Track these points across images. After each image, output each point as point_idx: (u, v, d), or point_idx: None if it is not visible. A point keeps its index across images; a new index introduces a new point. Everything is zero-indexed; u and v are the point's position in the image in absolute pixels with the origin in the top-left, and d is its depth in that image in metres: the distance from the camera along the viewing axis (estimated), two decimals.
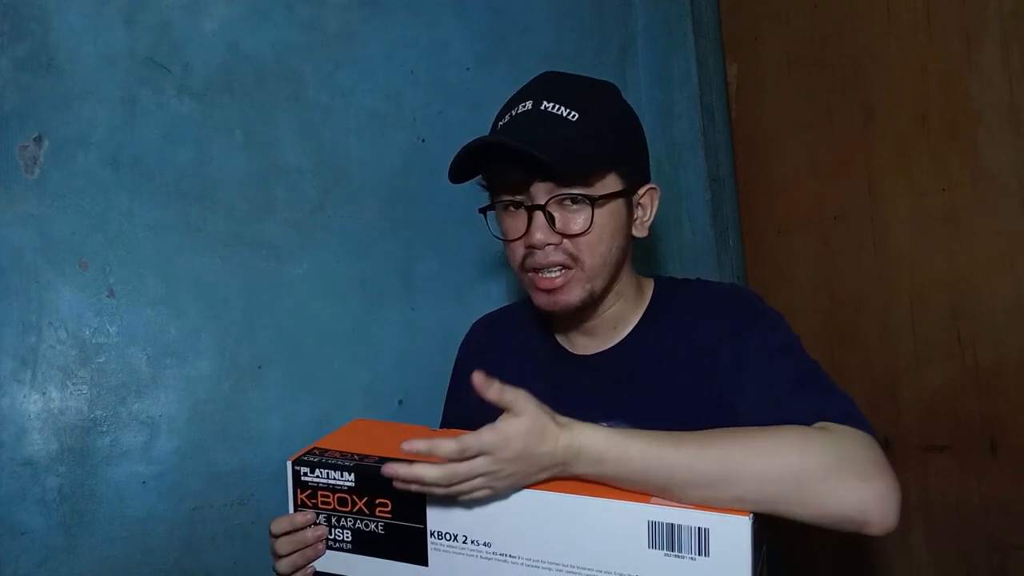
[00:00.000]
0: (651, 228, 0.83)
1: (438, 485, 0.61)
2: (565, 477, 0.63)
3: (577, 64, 1.39)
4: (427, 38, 1.23)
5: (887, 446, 1.20)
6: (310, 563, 0.72)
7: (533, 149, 0.68)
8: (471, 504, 0.64)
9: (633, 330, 0.83)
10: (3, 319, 0.91)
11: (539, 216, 0.73)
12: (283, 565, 0.72)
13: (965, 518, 1.09)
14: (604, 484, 0.62)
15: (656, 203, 0.82)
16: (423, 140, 1.20)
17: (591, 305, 0.79)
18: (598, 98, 0.77)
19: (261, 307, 1.06)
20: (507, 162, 0.73)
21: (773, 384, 0.70)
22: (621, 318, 0.83)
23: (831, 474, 0.60)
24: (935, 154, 1.13)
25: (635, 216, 0.80)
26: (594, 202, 0.73)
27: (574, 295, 0.76)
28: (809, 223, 1.33)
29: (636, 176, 0.79)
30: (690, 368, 0.77)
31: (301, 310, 1.08)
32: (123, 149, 0.99)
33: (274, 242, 1.08)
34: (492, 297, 1.23)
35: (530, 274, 0.77)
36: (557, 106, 0.73)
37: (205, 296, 1.02)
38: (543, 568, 0.62)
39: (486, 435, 0.60)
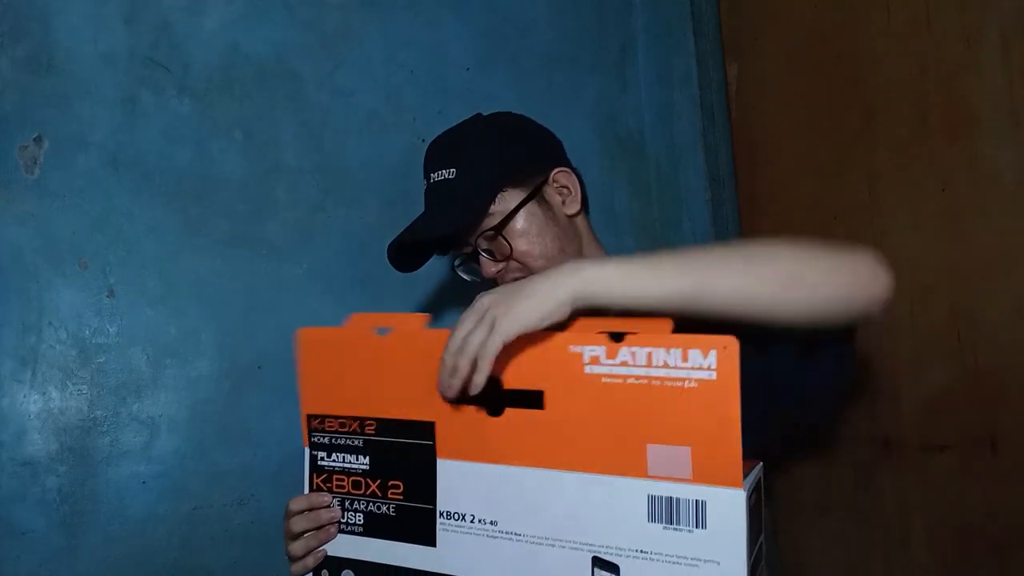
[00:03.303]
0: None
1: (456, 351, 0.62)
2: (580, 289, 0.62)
3: (577, 64, 1.39)
4: (427, 38, 1.23)
5: (887, 446, 1.20)
6: (322, 545, 0.73)
7: (425, 233, 0.82)
8: (481, 482, 0.65)
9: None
10: (3, 319, 0.91)
11: (481, 257, 0.84)
12: (297, 547, 0.73)
13: (965, 518, 1.10)
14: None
15: (573, 178, 0.88)
16: (423, 140, 1.19)
17: None
18: (466, 141, 0.86)
19: (261, 307, 1.06)
20: (430, 242, 0.86)
21: None
22: None
23: (827, 247, 0.64)
24: (935, 154, 1.13)
25: (560, 200, 0.87)
26: (501, 229, 0.82)
27: None
28: (809, 223, 1.33)
29: (534, 174, 0.86)
30: None
31: (301, 310, 1.08)
32: (123, 149, 0.99)
33: (274, 242, 1.08)
34: None
35: None
36: (439, 172, 0.84)
37: (205, 296, 1.02)
38: (546, 545, 0.63)
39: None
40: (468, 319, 0.62)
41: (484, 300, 0.63)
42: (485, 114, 0.91)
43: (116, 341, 0.97)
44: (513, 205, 0.83)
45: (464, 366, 0.60)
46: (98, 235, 0.97)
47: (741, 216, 1.48)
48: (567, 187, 0.88)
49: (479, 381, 0.60)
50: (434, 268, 1.19)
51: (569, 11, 1.39)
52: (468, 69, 1.26)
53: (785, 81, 1.38)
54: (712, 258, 0.64)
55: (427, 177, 0.86)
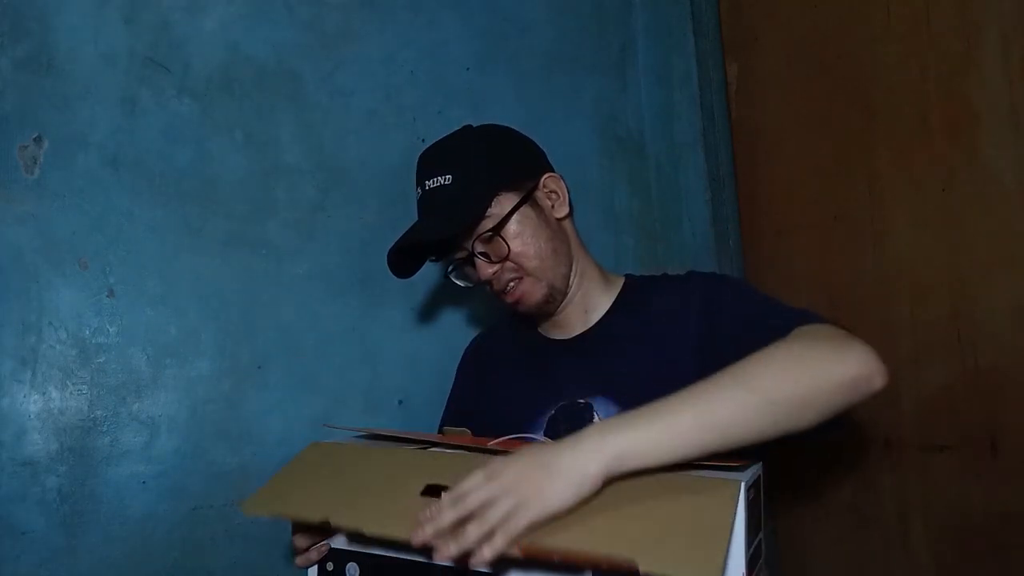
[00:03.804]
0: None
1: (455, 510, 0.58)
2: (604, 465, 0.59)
3: (577, 64, 1.39)
4: (427, 38, 1.23)
5: (887, 446, 1.20)
6: (327, 539, 0.74)
7: (427, 234, 0.83)
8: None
9: (606, 313, 0.91)
10: (3, 319, 0.91)
11: (477, 259, 0.87)
12: (302, 540, 0.73)
13: (965, 518, 1.09)
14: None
15: (561, 183, 0.92)
16: (423, 140, 1.19)
17: (560, 294, 0.90)
18: (460, 149, 0.88)
19: (261, 307, 1.06)
20: (428, 246, 0.89)
21: (747, 317, 0.78)
22: (590, 301, 0.92)
23: (826, 356, 0.67)
24: (935, 154, 1.13)
25: (550, 204, 0.90)
26: (498, 230, 0.84)
27: (535, 295, 0.88)
28: (809, 223, 1.33)
29: (525, 179, 0.89)
30: (665, 339, 0.84)
31: (301, 310, 1.08)
32: (123, 149, 0.99)
33: (274, 242, 1.08)
34: (490, 298, 1.23)
35: (501, 297, 0.90)
36: (434, 179, 0.86)
37: (205, 296, 1.02)
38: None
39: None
40: (491, 485, 0.58)
41: (510, 471, 0.59)
42: (475, 125, 0.93)
43: (116, 341, 0.97)
44: (509, 208, 0.85)
45: (476, 537, 0.56)
46: (98, 235, 0.97)
47: (741, 216, 1.48)
48: (556, 192, 0.91)
49: (487, 557, 0.56)
50: (432, 268, 1.20)
51: (569, 11, 1.39)
52: (468, 69, 1.27)
53: (785, 81, 1.38)
54: (728, 406, 0.63)
55: (421, 185, 0.88)
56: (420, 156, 0.91)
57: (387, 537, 0.60)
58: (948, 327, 1.12)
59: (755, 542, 0.62)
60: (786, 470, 1.33)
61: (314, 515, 0.65)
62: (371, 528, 0.61)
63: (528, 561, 0.58)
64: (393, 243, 0.87)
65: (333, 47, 1.15)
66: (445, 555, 0.57)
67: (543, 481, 0.58)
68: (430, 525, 0.58)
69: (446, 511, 0.58)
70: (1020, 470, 1.04)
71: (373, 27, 1.18)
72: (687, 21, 1.48)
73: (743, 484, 0.57)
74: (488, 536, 0.56)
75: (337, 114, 1.14)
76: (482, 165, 0.86)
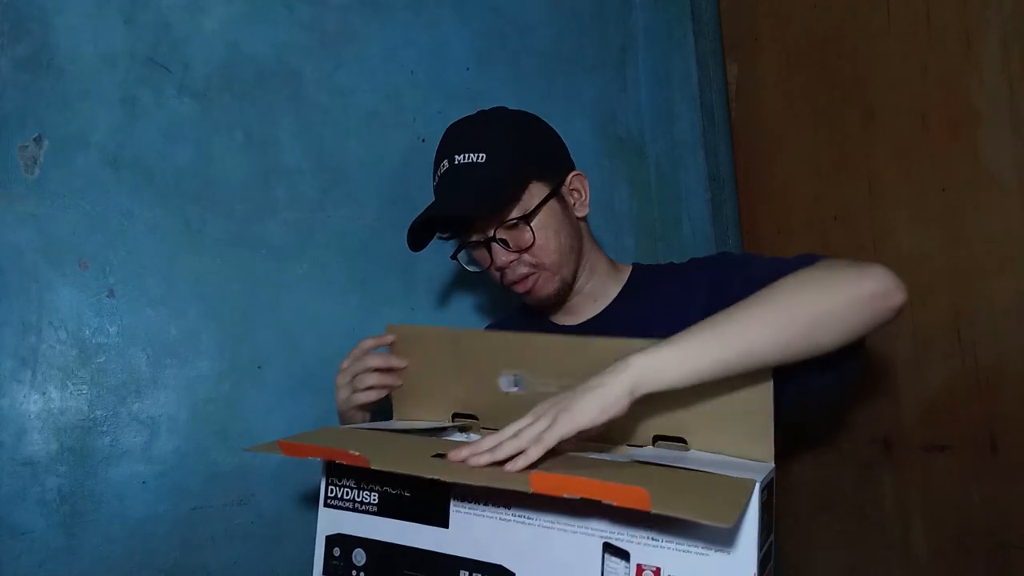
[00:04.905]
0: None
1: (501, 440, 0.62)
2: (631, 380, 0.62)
3: (577, 64, 1.39)
4: (427, 38, 1.23)
5: (887, 446, 1.20)
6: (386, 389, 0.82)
7: (459, 210, 0.81)
8: None
9: (614, 301, 0.92)
10: (3, 319, 0.91)
11: (494, 245, 0.85)
12: (369, 378, 0.84)
13: (965, 518, 1.09)
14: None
15: (586, 183, 0.92)
16: (423, 140, 1.20)
17: (569, 287, 0.90)
18: (495, 129, 0.86)
19: (261, 307, 1.06)
20: (450, 221, 0.87)
21: (757, 272, 0.77)
22: (599, 291, 0.93)
23: (843, 275, 0.68)
24: (935, 154, 1.13)
25: (572, 202, 0.91)
26: (528, 219, 0.84)
27: (549, 288, 0.88)
28: (809, 223, 1.33)
29: (556, 173, 0.89)
30: (674, 321, 0.84)
31: (301, 310, 1.08)
32: (123, 149, 0.99)
33: (274, 242, 1.08)
34: (492, 296, 1.23)
35: (511, 286, 0.89)
36: (466, 155, 0.84)
37: (205, 296, 1.02)
38: (558, 529, 0.63)
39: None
40: (525, 418, 0.63)
41: (542, 404, 0.64)
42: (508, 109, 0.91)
43: (116, 341, 0.97)
44: (539, 198, 0.85)
45: (510, 450, 0.60)
46: (98, 235, 0.97)
47: (741, 216, 1.48)
48: (579, 190, 0.91)
49: (521, 465, 0.60)
50: (432, 268, 1.20)
51: (569, 11, 1.39)
52: (468, 69, 1.27)
53: (785, 81, 1.38)
54: (749, 322, 0.65)
55: (449, 158, 0.85)
56: (449, 128, 0.89)
57: (406, 473, 0.61)
58: (948, 327, 1.11)
59: (766, 545, 0.61)
60: (786, 470, 1.33)
61: (325, 444, 0.66)
62: (386, 465, 0.61)
63: (539, 498, 0.59)
64: (417, 215, 0.85)
65: (333, 47, 1.15)
66: (478, 463, 0.60)
67: (571, 401, 0.62)
68: (467, 448, 0.62)
69: (487, 438, 0.62)
70: (1020, 470, 1.04)
71: (373, 27, 1.18)
72: (687, 21, 1.48)
73: (758, 484, 0.57)
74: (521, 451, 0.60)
75: (337, 114, 1.14)
76: (517, 149, 0.85)
